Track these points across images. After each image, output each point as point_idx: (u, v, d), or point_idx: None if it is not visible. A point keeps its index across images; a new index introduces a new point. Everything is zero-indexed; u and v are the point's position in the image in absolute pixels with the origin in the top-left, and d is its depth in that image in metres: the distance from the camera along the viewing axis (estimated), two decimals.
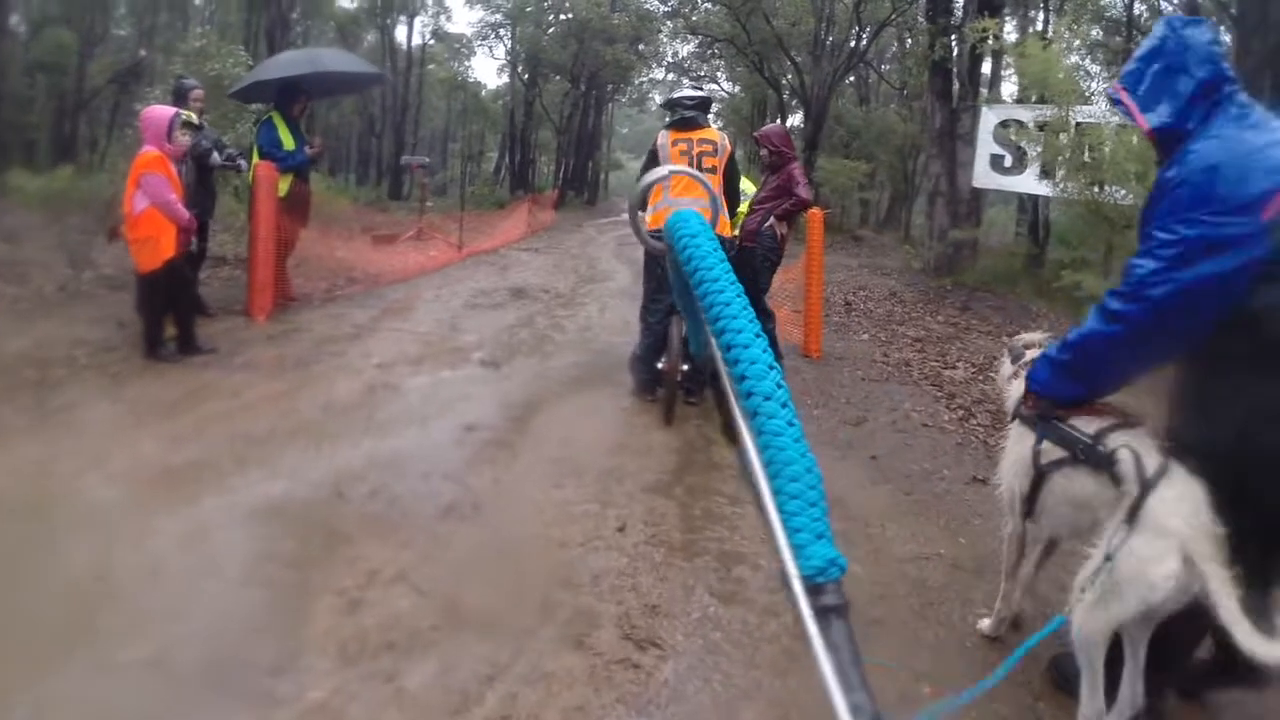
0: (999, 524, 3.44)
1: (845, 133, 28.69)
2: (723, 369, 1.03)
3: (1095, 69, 18.45)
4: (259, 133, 8.77)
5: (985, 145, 12.99)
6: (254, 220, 8.26)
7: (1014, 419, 3.14)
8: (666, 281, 6.12)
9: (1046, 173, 10.67)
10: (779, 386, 0.95)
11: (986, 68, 17.85)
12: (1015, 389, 3.20)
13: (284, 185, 8.40)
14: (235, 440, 5.04)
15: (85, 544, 3.69)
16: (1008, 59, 17.45)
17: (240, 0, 26.90)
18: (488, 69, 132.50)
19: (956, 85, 14.88)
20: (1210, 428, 2.58)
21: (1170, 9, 14.16)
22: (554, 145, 39.83)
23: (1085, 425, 2.77)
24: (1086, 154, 8.92)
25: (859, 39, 26.75)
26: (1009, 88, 19.90)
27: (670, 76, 36.40)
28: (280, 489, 4.41)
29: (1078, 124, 9.33)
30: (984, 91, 16.36)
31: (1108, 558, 2.46)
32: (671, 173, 1.44)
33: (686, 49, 35.52)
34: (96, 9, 24.48)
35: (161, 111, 6.66)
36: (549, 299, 10.96)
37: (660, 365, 6.15)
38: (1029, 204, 16.16)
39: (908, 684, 3.00)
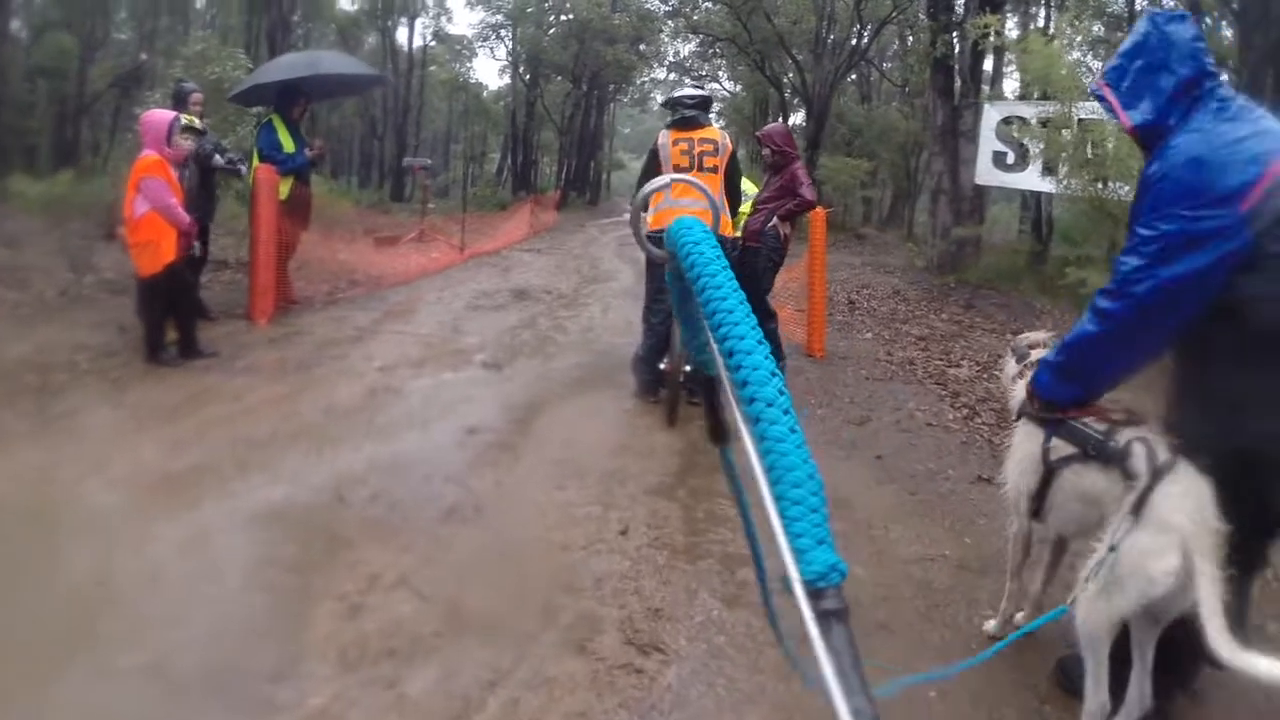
0: (1004, 524, 3.42)
1: (847, 131, 28.65)
2: (724, 374, 1.02)
3: (1097, 65, 18.35)
4: (259, 136, 8.77)
5: (988, 142, 12.95)
6: (255, 223, 8.25)
7: (1019, 418, 3.14)
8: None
9: (1049, 169, 10.64)
10: (781, 393, 0.94)
11: (988, 65, 17.86)
12: (1020, 388, 3.19)
13: (284, 188, 8.39)
14: (236, 444, 5.02)
15: (86, 549, 3.68)
16: (1009, 56, 17.47)
17: (241, 3, 26.89)
18: (489, 70, 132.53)
19: (958, 82, 14.84)
20: (1199, 420, 2.60)
21: (1170, 3, 14.11)
22: (556, 146, 39.87)
23: (1094, 422, 2.77)
24: (1089, 150, 8.89)
25: (860, 36, 26.71)
26: (1011, 84, 19.95)
27: (672, 76, 36.44)
28: (281, 493, 4.39)
29: (1080, 120, 9.29)
30: (986, 88, 16.35)
31: (1112, 549, 2.46)
32: (672, 181, 1.43)
33: (687, 48, 35.62)
34: (97, 13, 24.51)
35: (161, 115, 6.65)
36: (551, 300, 10.94)
37: (663, 366, 6.13)
38: (1032, 201, 16.13)
39: (912, 688, 2.97)
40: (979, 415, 6.51)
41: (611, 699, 2.89)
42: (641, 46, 34.50)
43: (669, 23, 33.83)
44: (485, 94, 40.52)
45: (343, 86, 11.53)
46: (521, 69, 35.83)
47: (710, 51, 33.60)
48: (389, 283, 11.27)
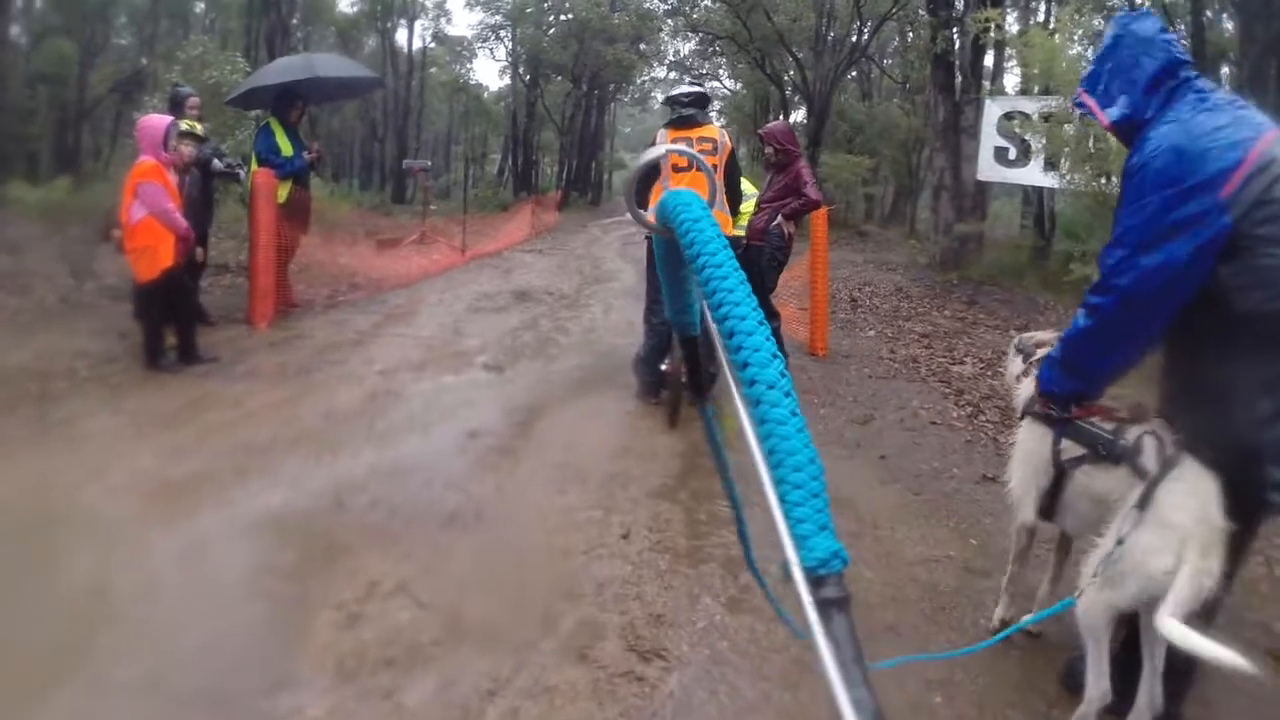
0: (1009, 523, 3.39)
1: (848, 128, 28.57)
2: (724, 356, 1.00)
3: None
4: (257, 139, 8.76)
5: (989, 138, 12.89)
6: (253, 227, 8.23)
7: (1024, 416, 3.15)
8: None
9: (1051, 164, 10.58)
10: (782, 375, 0.92)
11: (989, 60, 17.79)
12: (1026, 387, 3.20)
13: (283, 192, 8.38)
14: (236, 451, 4.99)
15: (84, 559, 3.65)
16: (1010, 51, 17.40)
17: (240, 7, 26.87)
18: (489, 71, 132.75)
19: (959, 78, 14.79)
20: (1187, 410, 2.66)
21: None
22: (557, 146, 39.82)
23: (1102, 421, 2.79)
24: (1091, 144, 8.83)
25: (860, 33, 26.62)
26: (1012, 80, 19.87)
27: (672, 75, 36.31)
28: (280, 500, 4.36)
29: (1082, 114, 9.22)
30: (987, 84, 16.28)
31: (1119, 542, 2.48)
32: (669, 151, 1.41)
33: (687, 47, 35.50)
34: (97, 19, 24.51)
35: (157, 120, 6.62)
36: (553, 301, 10.92)
37: (664, 367, 6.09)
38: (1034, 196, 16.06)
39: (919, 692, 2.93)
40: (983, 413, 6.47)
41: (613, 708, 2.85)
42: (641, 45, 34.44)
43: (668, 21, 33.79)
44: (485, 95, 40.49)
45: (341, 89, 11.52)
46: (521, 69, 35.79)
47: (710, 50, 33.48)
48: (390, 285, 11.25)
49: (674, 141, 6.01)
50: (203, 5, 30.63)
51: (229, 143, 10.99)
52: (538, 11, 34.09)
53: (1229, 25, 17.85)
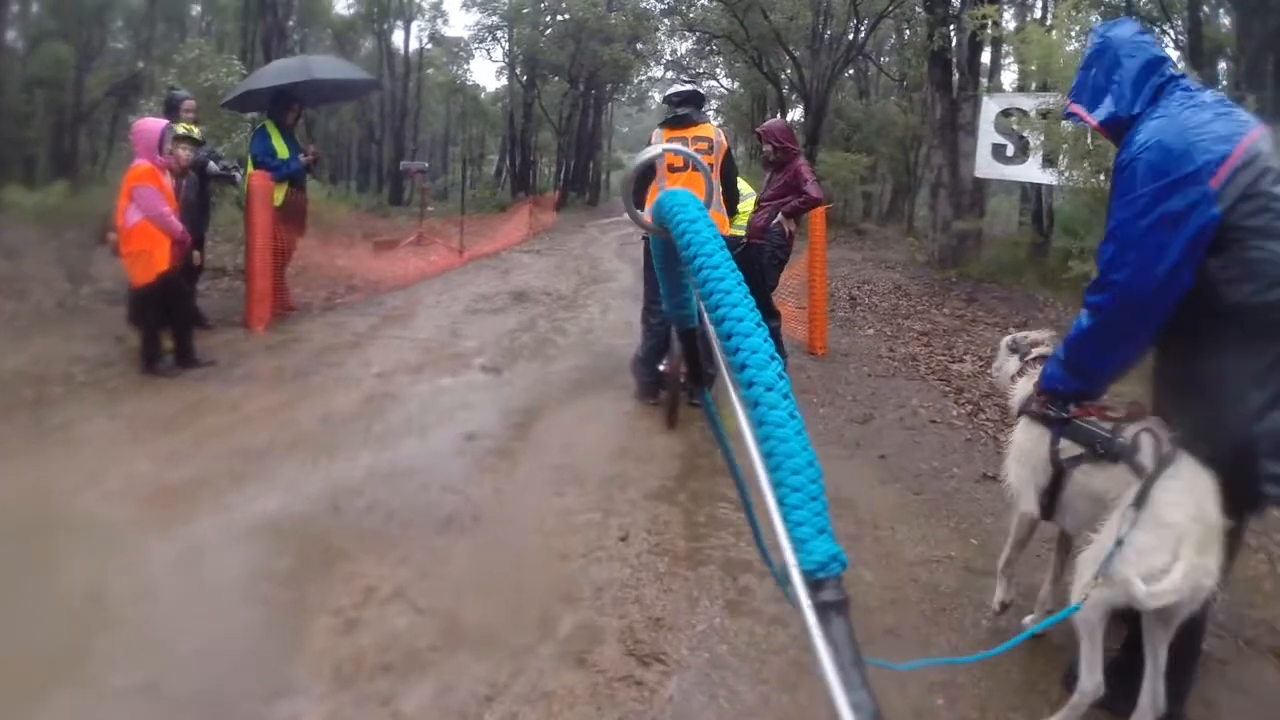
0: (1010, 515, 3.39)
1: (846, 126, 28.55)
2: (722, 358, 1.00)
3: None
4: (253, 142, 8.75)
5: (987, 135, 12.85)
6: (250, 230, 8.20)
7: (1021, 415, 3.18)
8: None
9: (1050, 161, 10.54)
10: (780, 377, 0.92)
11: (986, 57, 17.76)
12: (1022, 386, 3.25)
13: (279, 194, 8.37)
14: (232, 455, 4.97)
15: (79, 564, 3.64)
16: (1007, 48, 17.38)
17: (237, 10, 26.85)
18: (486, 72, 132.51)
19: (956, 75, 14.78)
20: (1178, 406, 2.71)
21: None
22: (554, 146, 39.78)
23: (1100, 420, 2.82)
24: (1089, 141, 8.80)
25: (857, 31, 26.60)
26: (1009, 76, 19.85)
27: (669, 74, 36.27)
28: (277, 504, 4.34)
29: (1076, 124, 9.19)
30: (984, 81, 16.27)
31: (1118, 543, 2.47)
32: (665, 150, 1.42)
33: (684, 46, 35.45)
34: (94, 23, 24.48)
35: (152, 124, 6.60)
36: (551, 302, 10.90)
37: (662, 367, 6.07)
38: (1032, 193, 16.05)
39: (921, 695, 2.91)
40: (983, 411, 6.45)
41: (611, 712, 2.83)
42: (638, 45, 34.40)
43: (665, 21, 33.71)
44: (483, 96, 40.44)
45: (337, 91, 11.50)
46: (518, 70, 35.75)
47: (707, 49, 33.48)
48: (387, 287, 11.23)
49: (669, 141, 5.99)
50: (199, 8, 30.64)
51: (225, 145, 10.97)
52: (534, 12, 34.06)
53: (1225, 21, 17.85)
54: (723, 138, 6.21)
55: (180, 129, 7.26)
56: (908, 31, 26.19)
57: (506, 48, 35.96)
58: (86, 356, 6.76)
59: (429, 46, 38.66)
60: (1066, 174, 9.32)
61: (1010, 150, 12.56)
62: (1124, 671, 2.71)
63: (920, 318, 10.52)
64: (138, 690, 2.84)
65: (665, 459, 5.22)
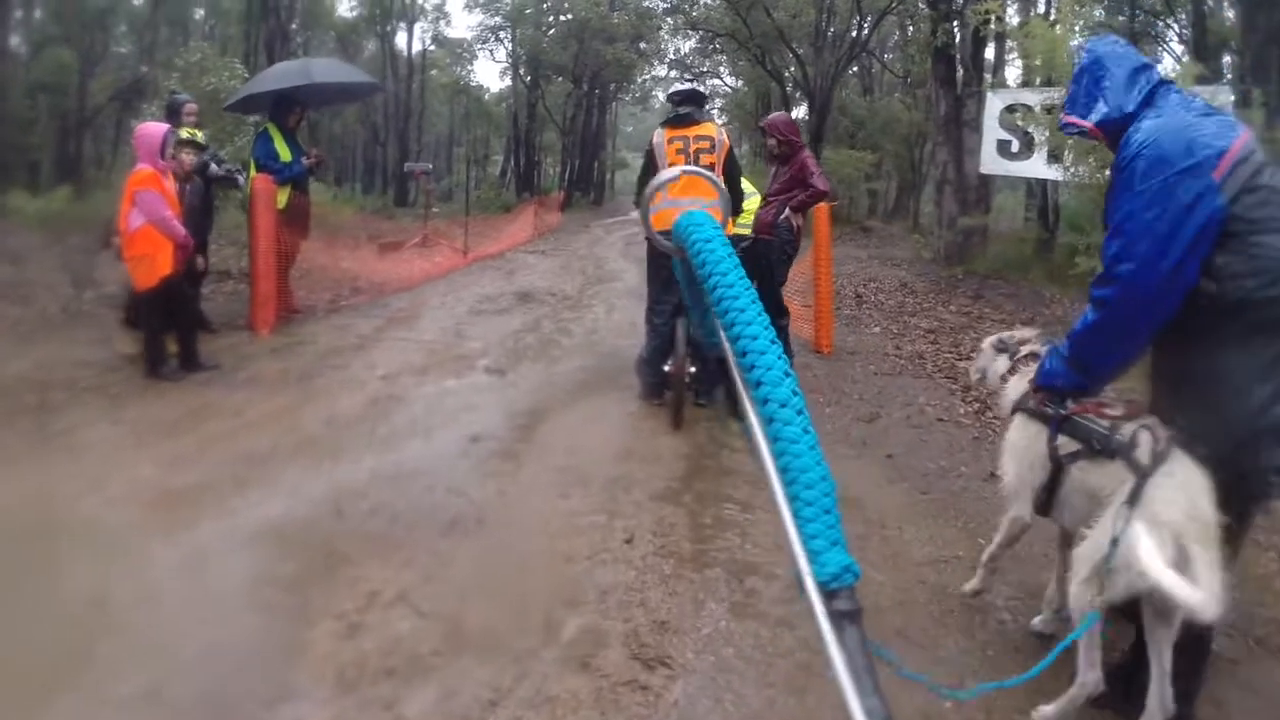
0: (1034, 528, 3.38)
1: (850, 123, 28.52)
2: (737, 374, 1.04)
3: None
4: (255, 145, 8.74)
5: (991, 131, 12.82)
6: (253, 234, 8.21)
7: (1014, 412, 3.23)
8: (672, 282, 6.04)
9: (1055, 156, 10.50)
10: (794, 394, 0.96)
11: (990, 53, 17.71)
12: (1014, 384, 3.31)
13: (282, 197, 8.36)
14: (236, 460, 4.96)
15: (83, 571, 3.62)
16: (1011, 43, 17.33)
17: (239, 13, 26.87)
18: (489, 72, 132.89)
19: (960, 71, 14.72)
20: (1183, 403, 2.70)
21: None
22: (559, 146, 39.74)
23: (1100, 415, 2.83)
24: None
25: (860, 28, 26.56)
26: (1013, 72, 19.77)
27: (672, 73, 36.25)
28: (281, 509, 4.33)
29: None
30: (988, 77, 16.22)
31: (1114, 541, 2.48)
32: (683, 173, 1.46)
33: (688, 45, 35.38)
34: (97, 27, 24.51)
35: (154, 128, 6.59)
36: (555, 302, 10.88)
37: (667, 367, 6.04)
38: (1037, 189, 15.99)
39: (929, 699, 2.88)
40: (990, 409, 6.39)
41: (616, 717, 2.81)
42: (641, 44, 34.34)
43: (668, 20, 33.69)
44: (486, 97, 40.35)
45: (339, 94, 11.49)
46: (522, 70, 35.72)
47: (710, 47, 33.41)
48: (392, 289, 11.23)
49: (671, 140, 5.98)
50: (202, 12, 30.68)
51: (228, 149, 10.97)
52: (537, 12, 34.03)
53: (1230, 14, 17.77)
54: (724, 136, 6.18)
55: (184, 133, 7.25)
56: (911, 28, 26.18)
57: (510, 48, 35.96)
58: (90, 361, 6.75)
59: (432, 48, 38.67)
60: (1072, 169, 9.26)
61: (1015, 146, 12.53)
62: (1131, 675, 2.69)
63: (926, 315, 10.48)
64: (141, 696, 2.83)
65: (671, 460, 5.20)
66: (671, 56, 36.60)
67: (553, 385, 6.79)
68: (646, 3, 33.38)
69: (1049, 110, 10.07)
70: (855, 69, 30.66)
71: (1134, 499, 2.50)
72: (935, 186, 16.37)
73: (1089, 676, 2.64)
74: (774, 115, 7.87)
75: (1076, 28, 9.47)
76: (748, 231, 7.00)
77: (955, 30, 14.33)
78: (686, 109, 6.09)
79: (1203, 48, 16.73)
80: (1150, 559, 2.32)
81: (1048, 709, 2.75)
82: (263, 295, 8.13)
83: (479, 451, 5.25)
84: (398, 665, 3.03)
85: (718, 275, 1.10)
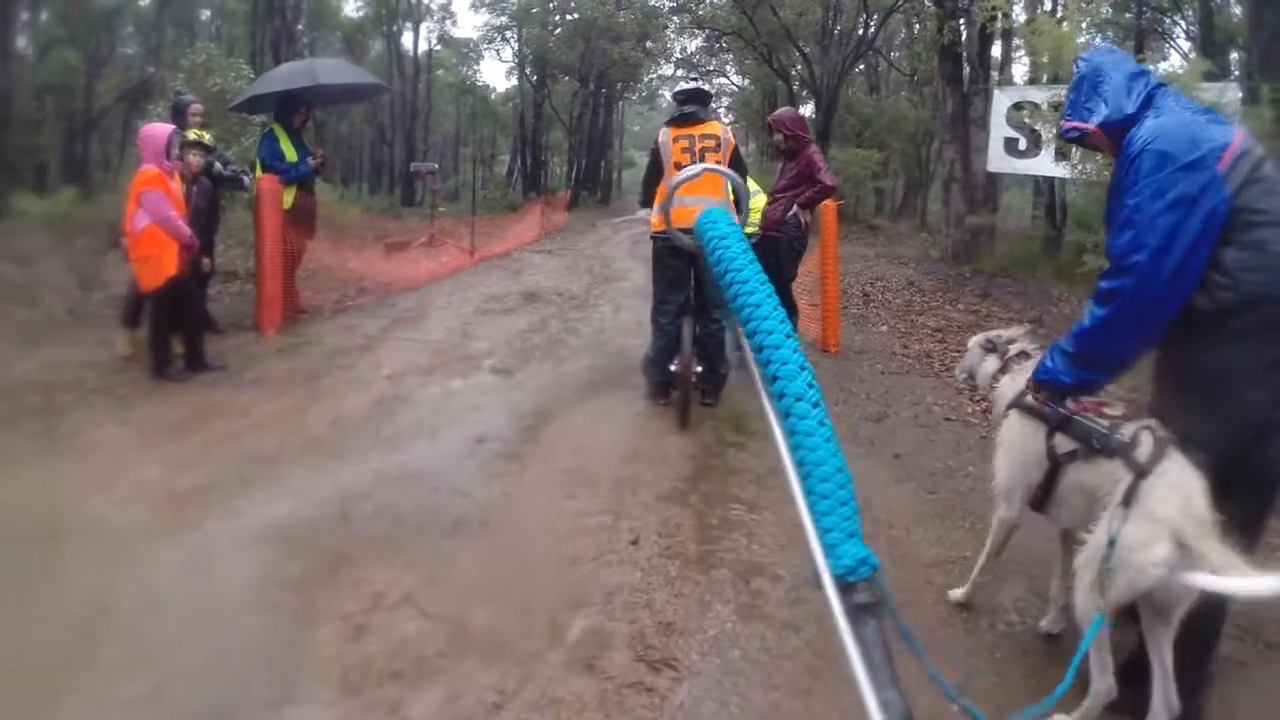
0: (1036, 527, 3.37)
1: (857, 122, 28.48)
2: (755, 369, 1.04)
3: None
4: (260, 146, 8.74)
5: (999, 129, 12.78)
6: (259, 234, 8.20)
7: (1008, 411, 3.24)
8: (678, 281, 6.03)
9: (1062, 154, 10.47)
10: (810, 386, 0.96)
11: (996, 50, 17.66)
12: (1006, 384, 3.35)
13: (288, 197, 8.37)
14: (242, 461, 4.96)
15: (88, 572, 3.62)
16: (1018, 40, 17.25)
17: (246, 14, 26.92)
18: (496, 72, 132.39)
19: (967, 69, 14.68)
20: (1188, 400, 2.72)
21: None
22: (565, 146, 39.75)
23: (1098, 415, 2.85)
24: None
25: (867, 26, 26.52)
26: (1020, 69, 19.71)
27: (679, 72, 36.19)
28: (286, 510, 4.32)
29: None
30: (995, 74, 16.16)
31: (1111, 542, 2.50)
32: (705, 170, 1.48)
33: (694, 44, 35.34)
34: (103, 29, 24.56)
35: (159, 129, 6.59)
36: (562, 302, 10.86)
37: (673, 367, 6.02)
38: (1045, 187, 15.95)
39: (936, 701, 2.85)
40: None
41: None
42: (648, 43, 34.35)
43: (674, 19, 33.63)
44: (493, 96, 40.39)
45: (345, 94, 11.50)
46: (528, 70, 35.77)
47: (717, 46, 33.39)
48: (398, 289, 11.22)
49: (676, 139, 5.96)
50: (208, 13, 30.74)
51: (234, 149, 10.98)
52: (543, 12, 34.06)
53: (1237, 11, 17.70)
54: (730, 135, 6.15)
55: (191, 135, 7.27)
56: (917, 26, 26.13)
57: (516, 48, 36.02)
58: (97, 362, 6.76)
59: (438, 48, 38.75)
60: (1079, 167, 9.23)
61: (1023, 144, 12.48)
62: (1137, 673, 2.69)
63: (934, 314, 10.45)
64: (144, 698, 2.83)
65: (677, 460, 5.18)
66: (678, 55, 36.58)
67: (559, 385, 6.78)
68: (653, 1, 33.37)
69: (1056, 108, 10.04)
70: (862, 67, 30.65)
71: (1129, 499, 2.52)
72: (942, 185, 16.32)
73: (1101, 685, 2.64)
74: (781, 111, 7.84)
75: (1083, 24, 9.43)
76: (754, 229, 6.98)
77: (962, 28, 14.30)
78: (691, 108, 6.06)
79: (1210, 44, 16.67)
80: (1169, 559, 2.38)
81: None
82: (269, 295, 8.12)
83: (484, 452, 5.24)
84: (403, 667, 3.02)
85: (734, 271, 1.10)
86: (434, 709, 2.82)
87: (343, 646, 3.15)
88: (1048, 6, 18.26)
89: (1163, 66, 11.78)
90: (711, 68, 35.56)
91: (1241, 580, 2.27)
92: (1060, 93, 9.88)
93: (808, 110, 28.15)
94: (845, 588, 0.84)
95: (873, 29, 26.67)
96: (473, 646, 3.15)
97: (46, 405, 5.75)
